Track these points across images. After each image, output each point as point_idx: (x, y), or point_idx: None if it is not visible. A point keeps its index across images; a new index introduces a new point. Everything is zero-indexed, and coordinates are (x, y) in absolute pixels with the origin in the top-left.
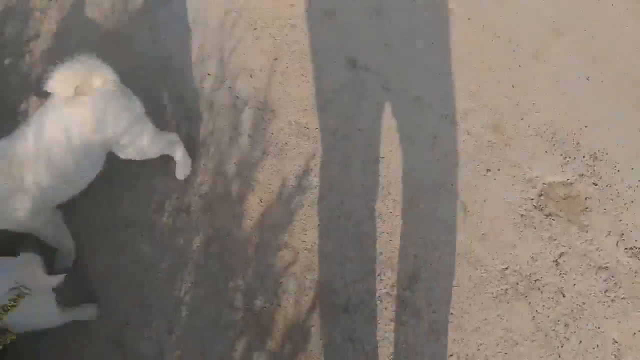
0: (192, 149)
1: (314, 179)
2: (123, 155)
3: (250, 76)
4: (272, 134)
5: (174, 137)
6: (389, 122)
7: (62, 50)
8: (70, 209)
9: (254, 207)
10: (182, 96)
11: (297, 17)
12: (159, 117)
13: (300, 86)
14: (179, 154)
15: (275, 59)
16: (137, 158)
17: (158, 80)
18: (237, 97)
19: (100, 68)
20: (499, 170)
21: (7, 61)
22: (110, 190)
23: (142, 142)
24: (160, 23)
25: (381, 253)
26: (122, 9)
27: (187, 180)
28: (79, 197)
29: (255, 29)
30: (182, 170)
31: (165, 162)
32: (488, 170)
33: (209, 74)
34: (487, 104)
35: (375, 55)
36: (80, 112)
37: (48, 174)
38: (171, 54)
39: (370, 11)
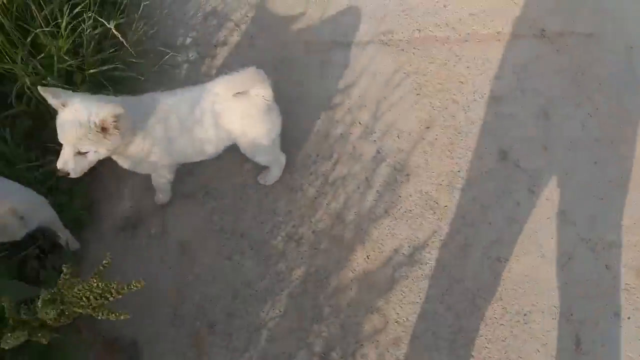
0: (321, 185)
1: (427, 255)
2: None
3: (398, 136)
4: (399, 196)
5: (283, 159)
6: (523, 226)
7: (239, 62)
8: (206, 203)
9: (359, 260)
10: (329, 134)
11: (462, 95)
12: (297, 145)
13: (443, 161)
14: (275, 171)
15: (428, 127)
16: (247, 154)
17: (314, 113)
18: (379, 151)
19: (261, 83)
20: (629, 318)
21: (192, 56)
22: (241, 199)
23: (258, 150)
24: (333, 62)
25: (473, 356)
26: (316, 41)
27: (307, 214)
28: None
29: (418, 94)
30: (266, 179)
31: (294, 190)
32: (616, 314)
33: (360, 123)
34: (637, 244)
35: (530, 155)
36: (231, 108)
37: (182, 137)
38: (332, 94)
39: (538, 110)
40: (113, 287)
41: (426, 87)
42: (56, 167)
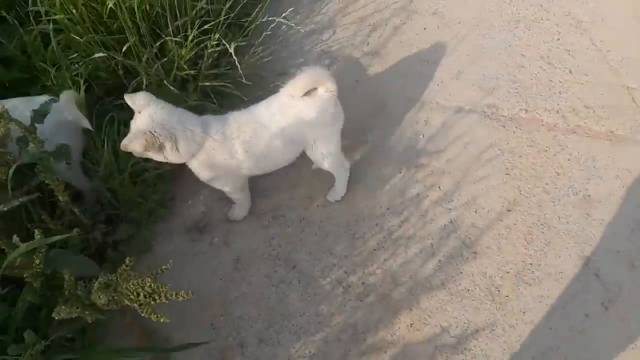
0: (383, 239)
1: (475, 344)
2: (308, 153)
3: (475, 211)
4: (461, 272)
5: (347, 165)
6: (587, 341)
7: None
8: (270, 227)
9: (402, 326)
10: (405, 191)
11: (556, 187)
12: (370, 194)
13: (517, 249)
14: (341, 181)
15: (509, 210)
16: (313, 160)
17: (396, 167)
18: (452, 222)
19: (325, 79)
20: None
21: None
22: (303, 231)
23: (325, 150)
24: (430, 123)
25: None
26: (418, 98)
27: (362, 263)
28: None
29: (508, 174)
30: (334, 195)
31: (355, 237)
32: None
33: (440, 188)
34: None
35: (614, 268)
36: (300, 108)
37: (260, 147)
38: (420, 153)
39: (634, 223)
40: (163, 291)
41: (518, 169)
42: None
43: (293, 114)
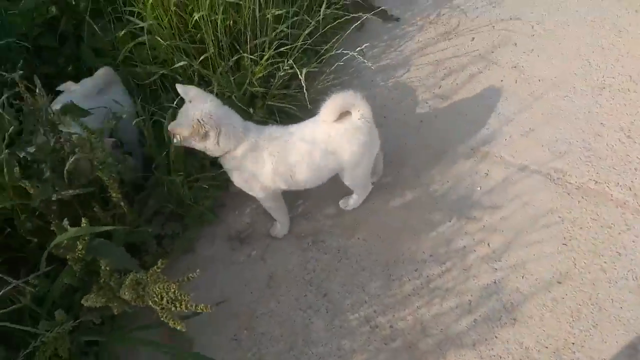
0: (420, 286)
1: None
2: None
3: (523, 277)
4: (496, 337)
5: (370, 187)
6: None
7: (396, 140)
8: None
9: None
10: (451, 241)
11: (615, 268)
12: (415, 237)
13: (561, 324)
14: (358, 197)
15: (560, 282)
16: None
17: (446, 214)
18: (495, 282)
19: (359, 104)
20: None
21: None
22: (339, 261)
23: (352, 173)
24: (490, 176)
25: None
26: (482, 150)
27: (393, 306)
28: None
29: (564, 244)
30: (345, 203)
31: (392, 278)
32: None
33: (489, 245)
34: None
35: None
36: (331, 134)
37: (285, 164)
38: (474, 205)
39: None
40: (185, 300)
41: (577, 242)
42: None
43: (323, 139)
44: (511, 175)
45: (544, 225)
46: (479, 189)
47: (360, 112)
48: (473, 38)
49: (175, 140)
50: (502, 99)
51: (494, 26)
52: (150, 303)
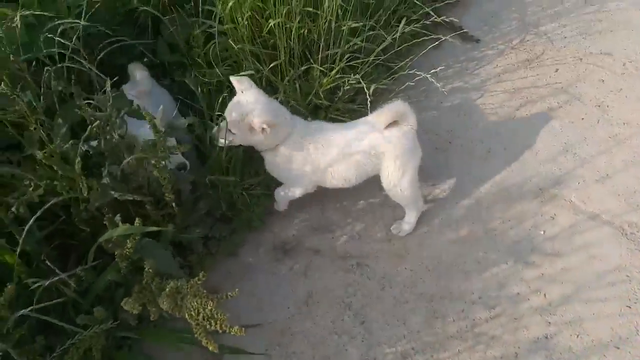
0: (465, 329)
1: None
2: (382, 181)
3: (577, 336)
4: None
5: (421, 203)
6: None
7: (466, 168)
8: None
9: None
10: (504, 286)
11: None
12: (466, 276)
13: None
14: (410, 218)
15: (617, 347)
16: (385, 189)
17: (503, 256)
18: (546, 337)
19: (408, 114)
20: None
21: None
22: (383, 289)
23: (395, 181)
24: (556, 224)
25: None
26: (551, 192)
27: (433, 346)
28: None
29: (629, 306)
30: (398, 228)
31: (436, 315)
32: None
33: (545, 295)
34: None
35: None
36: (382, 137)
37: (324, 160)
38: (535, 250)
39: None
40: (220, 320)
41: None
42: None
43: (368, 142)
44: (580, 223)
45: (609, 282)
46: (542, 233)
47: (410, 120)
48: (557, 69)
49: (222, 141)
50: (580, 138)
51: (581, 59)
52: (187, 316)
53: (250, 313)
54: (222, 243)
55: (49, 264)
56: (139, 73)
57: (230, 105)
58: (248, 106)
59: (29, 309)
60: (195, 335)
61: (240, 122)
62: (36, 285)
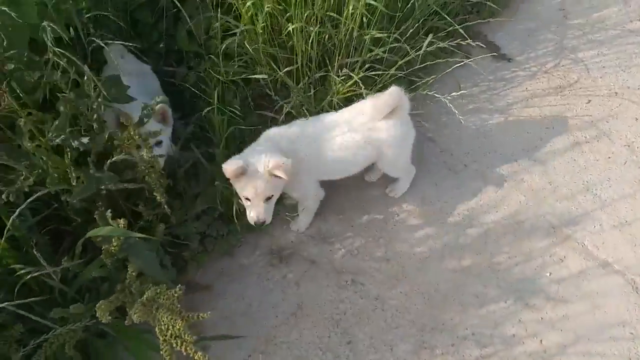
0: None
1: None
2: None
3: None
4: None
5: (413, 170)
6: None
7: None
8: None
9: None
10: (501, 325)
11: None
12: (462, 309)
13: None
14: (404, 182)
15: None
16: (380, 168)
17: (505, 293)
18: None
19: (403, 99)
20: None
21: (441, 121)
22: (374, 311)
23: (394, 164)
24: (565, 265)
25: None
26: (564, 231)
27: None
28: None
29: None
30: (392, 189)
31: (424, 345)
32: None
33: (541, 342)
34: None
35: None
36: (379, 124)
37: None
38: (538, 292)
39: None
40: (186, 341)
41: None
42: (250, 223)
43: (365, 129)
44: (589, 269)
45: (611, 337)
46: (548, 274)
47: (405, 107)
48: (589, 100)
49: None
50: (604, 178)
51: (616, 92)
52: (157, 328)
53: (238, 316)
54: (219, 241)
55: (35, 252)
56: (123, 54)
57: (245, 188)
58: (259, 167)
59: (13, 303)
60: (161, 351)
61: (268, 182)
62: (23, 271)
